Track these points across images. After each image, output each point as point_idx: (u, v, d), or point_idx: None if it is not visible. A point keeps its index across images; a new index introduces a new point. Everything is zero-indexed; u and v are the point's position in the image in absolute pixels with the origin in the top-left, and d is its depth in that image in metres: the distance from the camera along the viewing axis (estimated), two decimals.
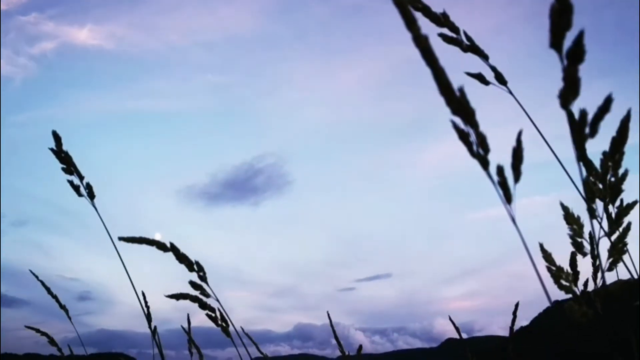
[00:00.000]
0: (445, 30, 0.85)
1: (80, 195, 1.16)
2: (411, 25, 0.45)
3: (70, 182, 1.15)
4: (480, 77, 0.85)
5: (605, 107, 0.52)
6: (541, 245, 0.82)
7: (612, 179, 0.74)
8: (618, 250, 0.73)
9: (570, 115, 0.52)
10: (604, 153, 0.73)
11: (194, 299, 1.05)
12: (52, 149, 1.12)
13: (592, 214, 0.71)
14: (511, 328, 1.63)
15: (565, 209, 0.74)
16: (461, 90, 0.46)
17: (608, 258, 0.74)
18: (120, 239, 0.98)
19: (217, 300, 1.09)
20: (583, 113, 0.51)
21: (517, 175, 0.52)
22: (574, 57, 0.46)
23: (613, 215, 0.75)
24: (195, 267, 1.05)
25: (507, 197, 0.53)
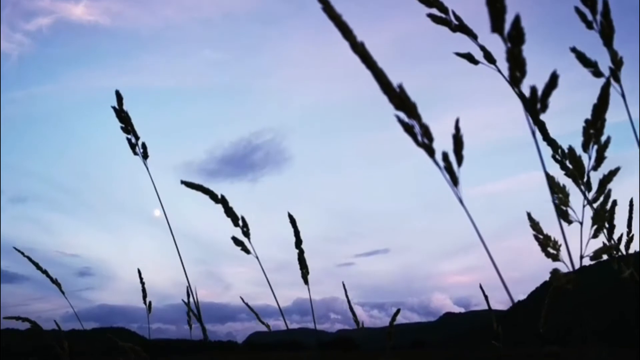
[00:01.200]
0: (434, 11, 0.86)
1: (135, 154, 1.19)
2: (347, 35, 0.50)
3: (129, 140, 1.18)
4: (469, 57, 0.85)
5: (551, 83, 0.55)
6: (529, 214, 0.83)
7: (595, 146, 0.75)
8: (601, 217, 0.75)
9: (520, 94, 0.55)
10: (586, 120, 0.74)
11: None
12: (114, 107, 1.14)
13: (576, 181, 0.74)
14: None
15: (550, 178, 0.74)
16: (400, 87, 0.49)
17: (592, 225, 0.75)
18: (183, 182, 1.01)
19: (257, 258, 1.11)
20: (533, 89, 0.54)
21: (459, 160, 0.56)
22: (514, 40, 0.51)
23: (596, 183, 0.77)
24: (240, 222, 1.08)
25: (454, 181, 0.56)
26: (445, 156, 0.54)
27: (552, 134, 0.86)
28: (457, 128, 0.54)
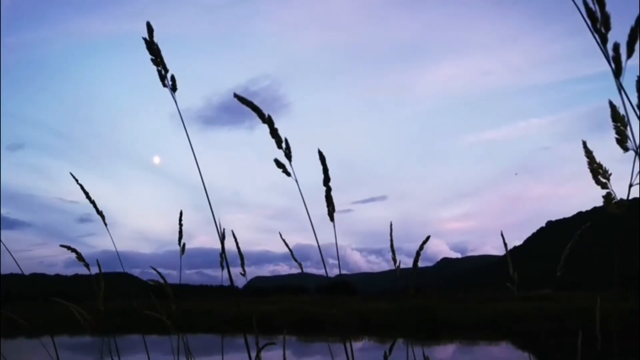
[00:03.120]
0: None
1: (165, 85, 1.16)
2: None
3: (159, 72, 1.15)
4: None
5: None
6: (584, 143, 0.80)
7: None
8: None
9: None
10: None
11: (256, 108, 1.05)
12: (144, 39, 1.12)
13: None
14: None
15: (612, 106, 0.70)
16: None
17: None
18: (236, 96, 1.04)
19: (296, 182, 1.13)
20: None
21: (630, 52, 0.63)
22: None
23: None
24: (284, 144, 1.08)
25: (618, 71, 0.64)
26: (616, 47, 0.63)
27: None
28: (637, 20, 0.61)
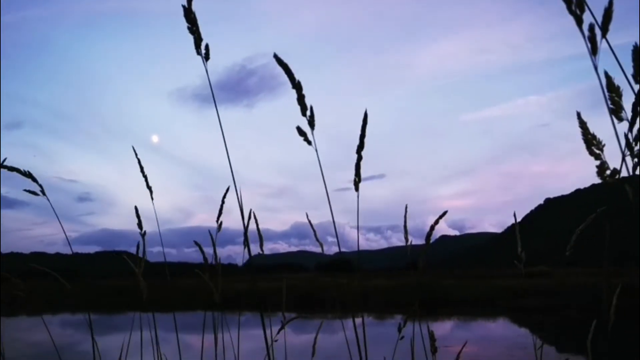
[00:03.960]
0: None
1: (198, 54, 1.15)
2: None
3: (195, 40, 1.14)
4: None
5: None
6: (578, 114, 0.80)
7: None
8: None
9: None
10: None
11: (289, 72, 1.06)
12: (183, 6, 1.11)
13: (636, 78, 0.71)
14: None
15: (608, 77, 0.71)
16: None
17: None
18: (275, 56, 1.04)
19: (316, 151, 1.11)
20: None
21: (604, 32, 0.67)
22: None
23: None
24: (308, 111, 1.07)
25: (594, 50, 0.68)
26: (591, 27, 0.68)
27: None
28: (610, 2, 0.67)
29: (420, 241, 1.69)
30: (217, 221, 1.75)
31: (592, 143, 0.79)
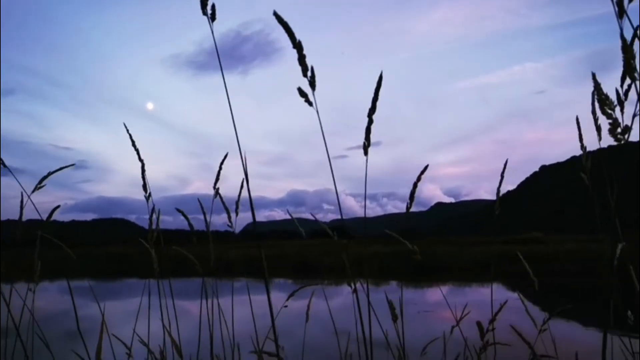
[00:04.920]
0: None
1: (204, 14, 1.13)
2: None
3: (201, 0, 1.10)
4: None
5: None
6: (593, 75, 0.80)
7: None
8: None
9: None
10: None
11: (290, 31, 1.03)
12: None
13: None
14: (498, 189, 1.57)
15: (623, 39, 0.71)
16: None
17: None
18: (275, 14, 1.01)
19: (317, 112, 1.09)
20: None
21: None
22: None
23: None
24: (309, 72, 1.05)
25: (621, 13, 0.68)
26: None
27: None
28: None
29: (416, 208, 1.69)
30: (214, 187, 1.74)
31: (605, 103, 0.79)
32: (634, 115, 0.76)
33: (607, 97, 0.79)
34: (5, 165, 1.50)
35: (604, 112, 0.78)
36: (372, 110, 1.15)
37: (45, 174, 1.54)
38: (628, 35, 0.75)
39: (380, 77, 1.13)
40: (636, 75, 0.75)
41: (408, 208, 1.44)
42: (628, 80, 0.78)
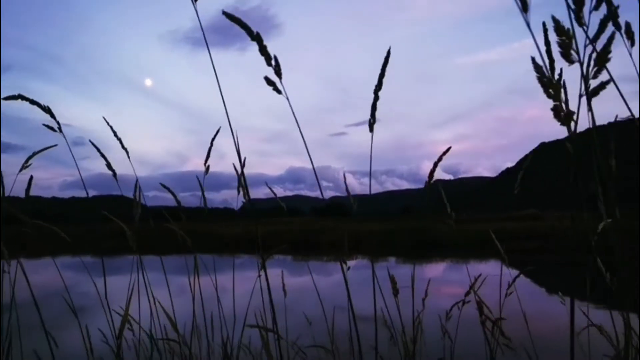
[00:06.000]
0: None
1: None
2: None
3: None
4: None
5: None
6: (532, 59, 0.78)
7: None
8: (603, 59, 0.74)
9: None
10: None
11: (244, 25, 1.02)
12: None
13: (579, 21, 0.72)
14: None
15: (556, 21, 0.72)
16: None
17: (593, 67, 0.74)
18: (224, 13, 1.01)
19: (287, 99, 1.09)
20: None
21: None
22: None
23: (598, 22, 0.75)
24: (273, 61, 1.04)
25: (524, 7, 0.67)
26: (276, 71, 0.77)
27: None
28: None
29: (414, 185, 1.69)
30: (204, 164, 1.74)
31: (549, 85, 0.79)
32: (580, 96, 0.76)
33: (550, 80, 0.78)
34: (60, 130, 1.51)
35: (549, 96, 0.78)
36: (379, 87, 1.15)
37: (46, 151, 1.55)
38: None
39: (388, 53, 1.13)
40: (573, 56, 0.75)
41: (428, 183, 1.47)
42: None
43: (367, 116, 1.16)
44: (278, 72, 1.07)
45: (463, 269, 13.57)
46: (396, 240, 20.24)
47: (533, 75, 0.79)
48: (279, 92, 1.08)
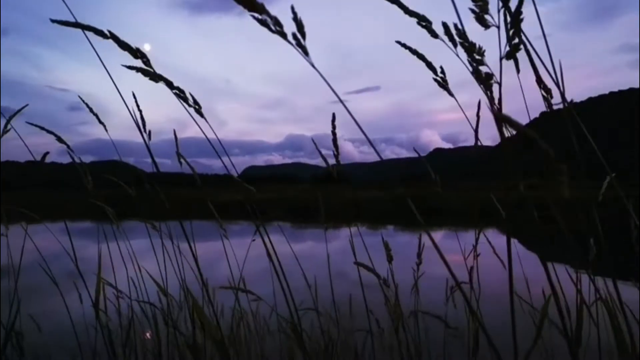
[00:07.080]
0: None
1: None
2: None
3: None
4: None
5: None
6: (455, 24, 0.79)
7: None
8: (517, 22, 0.73)
9: None
10: None
11: (87, 27, 0.91)
12: None
13: None
14: None
15: None
16: None
17: (509, 29, 0.75)
18: (53, 21, 0.91)
19: (312, 65, 0.90)
20: None
21: (303, 36, 0.68)
22: None
23: None
24: (138, 53, 0.96)
25: (305, 52, 0.68)
26: (295, 36, 0.65)
27: None
28: (294, 12, 0.64)
29: (414, 153, 1.70)
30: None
31: (472, 50, 0.80)
32: (501, 59, 0.76)
33: (473, 45, 0.80)
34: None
35: (473, 60, 0.79)
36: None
37: (42, 115, 1.48)
38: None
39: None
40: (490, 21, 0.76)
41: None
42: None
43: (367, 83, 1.13)
44: (147, 63, 0.97)
45: (462, 236, 13.67)
46: (396, 208, 20.31)
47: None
48: (166, 83, 0.99)
